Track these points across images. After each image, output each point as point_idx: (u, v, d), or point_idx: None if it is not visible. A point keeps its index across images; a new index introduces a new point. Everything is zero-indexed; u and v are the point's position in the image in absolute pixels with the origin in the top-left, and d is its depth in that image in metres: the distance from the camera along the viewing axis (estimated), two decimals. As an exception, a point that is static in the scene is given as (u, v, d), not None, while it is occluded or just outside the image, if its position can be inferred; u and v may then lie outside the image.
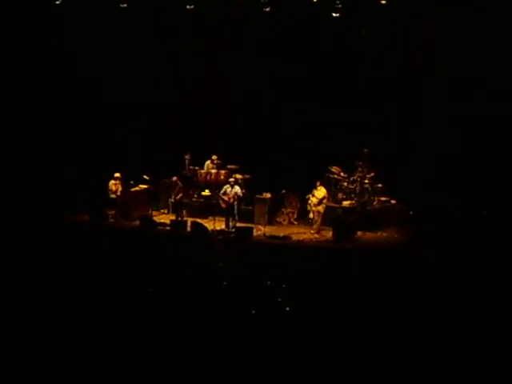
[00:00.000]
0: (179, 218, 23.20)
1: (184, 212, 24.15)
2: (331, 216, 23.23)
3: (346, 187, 24.26)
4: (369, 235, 22.98)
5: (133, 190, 24.10)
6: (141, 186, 24.20)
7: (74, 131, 25.19)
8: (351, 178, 24.24)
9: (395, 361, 13.08)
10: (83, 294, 15.72)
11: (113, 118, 25.69)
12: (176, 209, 23.77)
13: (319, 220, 22.92)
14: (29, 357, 12.93)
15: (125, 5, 24.29)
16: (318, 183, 22.93)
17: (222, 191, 23.22)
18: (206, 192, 24.43)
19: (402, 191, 23.53)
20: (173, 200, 23.79)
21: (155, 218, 23.71)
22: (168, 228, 23.05)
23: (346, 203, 23.86)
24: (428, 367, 12.99)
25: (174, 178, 23.79)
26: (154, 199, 24.44)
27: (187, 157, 25.00)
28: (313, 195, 22.80)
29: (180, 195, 23.72)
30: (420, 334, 14.23)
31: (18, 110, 25.35)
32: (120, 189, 23.68)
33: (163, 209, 24.53)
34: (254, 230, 22.66)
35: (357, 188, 24.13)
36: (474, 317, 15.13)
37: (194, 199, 24.75)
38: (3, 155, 24.91)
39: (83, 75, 25.28)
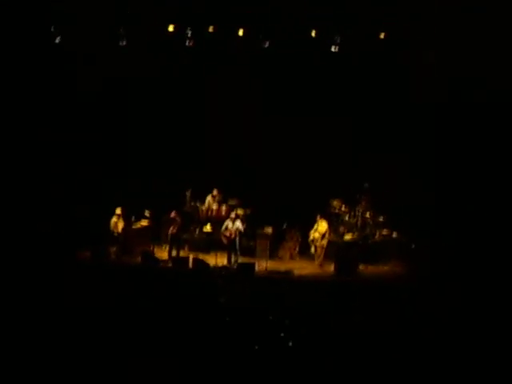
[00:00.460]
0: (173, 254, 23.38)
1: (186, 247, 24.26)
2: (333, 249, 23.23)
3: (348, 221, 24.28)
4: (371, 268, 22.93)
5: (134, 226, 24.12)
6: (142, 222, 24.24)
7: (78, 166, 25.30)
8: (352, 212, 24.28)
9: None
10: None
11: (115, 154, 25.81)
12: (172, 243, 23.76)
13: (322, 254, 22.92)
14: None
15: (124, 43, 24.36)
16: (319, 217, 22.96)
17: (223, 227, 23.22)
18: (208, 228, 24.47)
19: (403, 224, 23.53)
20: (170, 236, 23.79)
21: (157, 255, 23.69)
22: (170, 264, 23.05)
23: (347, 237, 23.88)
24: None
25: (173, 214, 23.77)
26: (156, 235, 24.41)
27: (188, 193, 25.05)
28: (315, 231, 22.83)
29: (175, 230, 23.69)
30: (422, 366, 14.16)
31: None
32: (121, 225, 23.68)
33: (165, 244, 24.45)
34: (256, 265, 22.61)
35: (358, 222, 24.15)
36: (477, 346, 15.07)
37: (196, 235, 24.74)
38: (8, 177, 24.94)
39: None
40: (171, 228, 23.71)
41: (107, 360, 14.15)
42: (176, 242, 23.74)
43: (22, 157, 25.09)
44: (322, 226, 22.82)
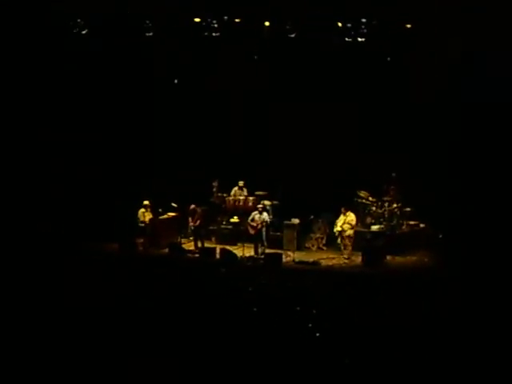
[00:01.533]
0: (199, 245, 23.59)
1: (213, 239, 24.35)
2: (360, 241, 23.18)
3: (375, 212, 24.21)
4: (398, 259, 22.86)
5: (161, 217, 24.20)
6: (169, 213, 24.31)
7: (104, 161, 25.40)
8: (379, 203, 24.21)
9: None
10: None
11: (142, 146, 25.92)
12: (198, 235, 23.84)
13: (350, 245, 22.86)
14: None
15: (151, 33, 24.32)
16: (343, 209, 22.86)
17: (250, 218, 23.24)
18: (235, 219, 24.51)
19: (430, 214, 23.41)
20: (192, 227, 23.84)
21: (184, 246, 23.78)
22: (197, 255, 23.14)
23: (374, 228, 23.81)
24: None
25: (192, 206, 23.84)
26: (183, 227, 24.48)
27: (215, 184, 25.11)
28: (345, 223, 22.74)
29: (198, 222, 23.77)
30: (450, 361, 14.06)
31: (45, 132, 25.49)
32: (149, 217, 23.77)
33: (191, 236, 24.51)
34: (284, 256, 22.62)
35: (385, 212, 24.07)
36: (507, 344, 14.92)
37: (223, 226, 24.79)
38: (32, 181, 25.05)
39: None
40: (190, 220, 23.79)
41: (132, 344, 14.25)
42: (199, 234, 23.83)
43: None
44: (351, 217, 22.75)
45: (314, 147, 25.39)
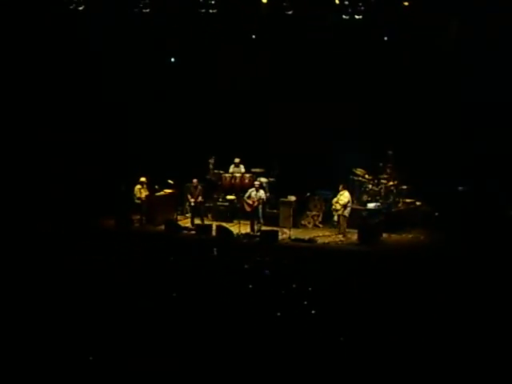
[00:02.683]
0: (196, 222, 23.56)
1: (209, 215, 24.35)
2: (356, 218, 23.20)
3: (371, 189, 24.24)
4: (394, 237, 22.91)
5: (158, 194, 24.20)
6: (166, 190, 24.32)
7: (100, 136, 25.28)
8: (375, 181, 24.24)
9: (419, 364, 12.97)
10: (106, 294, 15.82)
11: (138, 122, 25.83)
12: (197, 212, 23.84)
13: (344, 224, 22.87)
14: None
15: (147, 10, 24.10)
16: (341, 187, 22.86)
17: (246, 195, 23.26)
18: (231, 196, 24.53)
19: (426, 192, 23.46)
20: (192, 203, 23.83)
21: (180, 222, 23.79)
22: (193, 232, 23.15)
23: (371, 205, 23.83)
24: (455, 371, 12.87)
25: (195, 181, 23.84)
26: (179, 203, 24.48)
27: (211, 161, 25.11)
28: (337, 202, 22.74)
29: (200, 198, 23.77)
30: (446, 339, 14.10)
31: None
32: (145, 193, 23.77)
33: (188, 213, 24.53)
34: (280, 234, 22.65)
35: (382, 190, 24.10)
36: (503, 320, 14.95)
37: (219, 203, 24.81)
38: (28, 157, 24.98)
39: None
40: (189, 196, 23.79)
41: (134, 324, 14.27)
42: (199, 211, 23.85)
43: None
44: (344, 196, 22.73)
45: (312, 128, 25.31)
